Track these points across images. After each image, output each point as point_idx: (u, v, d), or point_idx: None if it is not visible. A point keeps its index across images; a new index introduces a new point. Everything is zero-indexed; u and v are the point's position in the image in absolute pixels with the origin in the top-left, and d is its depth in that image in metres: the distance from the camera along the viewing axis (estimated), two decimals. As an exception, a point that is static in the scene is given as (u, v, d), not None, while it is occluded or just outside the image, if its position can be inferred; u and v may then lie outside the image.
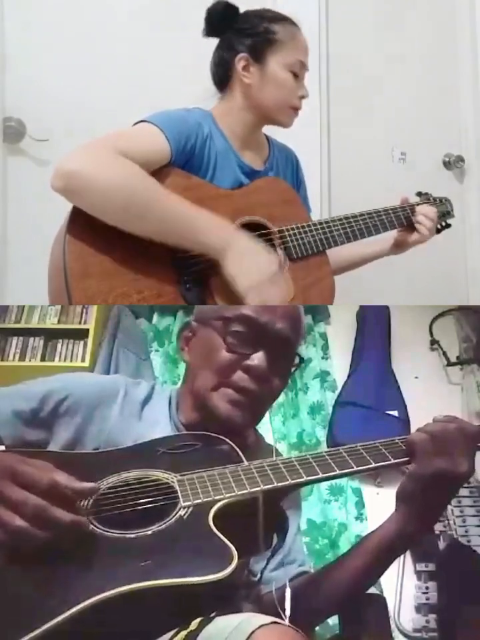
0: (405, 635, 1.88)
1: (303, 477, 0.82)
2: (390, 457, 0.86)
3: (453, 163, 2.27)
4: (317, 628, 1.76)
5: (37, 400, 0.95)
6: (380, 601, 1.82)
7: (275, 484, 0.81)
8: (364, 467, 0.85)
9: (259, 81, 1.20)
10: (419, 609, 1.92)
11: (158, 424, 0.99)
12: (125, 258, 1.00)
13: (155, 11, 1.82)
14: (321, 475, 0.83)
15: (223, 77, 1.24)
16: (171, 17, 1.81)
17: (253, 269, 1.05)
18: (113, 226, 0.99)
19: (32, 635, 0.59)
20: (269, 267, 1.07)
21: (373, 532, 0.92)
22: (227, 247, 1.03)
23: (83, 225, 0.98)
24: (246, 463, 0.86)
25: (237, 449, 0.89)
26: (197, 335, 1.03)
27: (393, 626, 1.83)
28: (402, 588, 1.96)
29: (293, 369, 1.03)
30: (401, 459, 0.86)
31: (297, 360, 1.02)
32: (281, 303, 1.06)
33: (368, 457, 0.86)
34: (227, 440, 0.91)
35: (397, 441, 0.89)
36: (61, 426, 0.95)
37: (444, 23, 2.28)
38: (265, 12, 1.23)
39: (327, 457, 0.86)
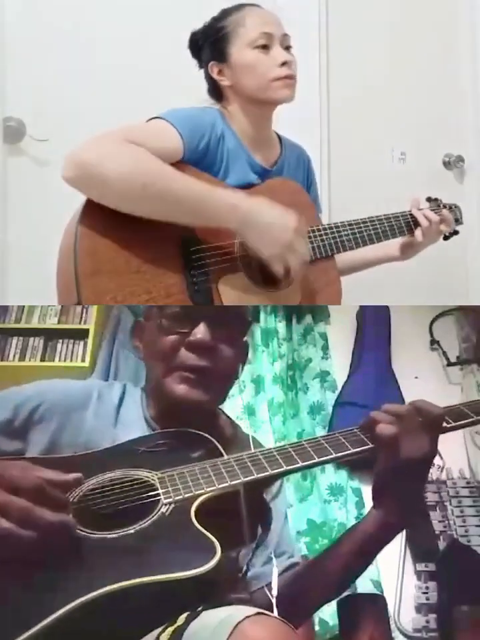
0: (405, 635, 1.88)
1: (282, 467, 0.83)
2: (368, 442, 0.86)
3: (453, 163, 2.27)
4: (317, 628, 1.77)
5: (9, 410, 0.95)
6: (380, 601, 1.83)
7: (255, 475, 0.81)
8: (343, 453, 0.85)
9: (233, 76, 1.20)
10: (419, 608, 1.92)
11: (133, 424, 0.99)
12: (136, 257, 1.00)
13: (155, 11, 1.82)
14: (300, 464, 0.83)
15: (214, 91, 1.26)
16: (171, 17, 1.81)
17: (273, 239, 1.06)
18: (124, 223, 0.99)
19: (21, 638, 0.58)
20: (286, 234, 1.06)
21: (356, 525, 0.92)
22: (245, 221, 1.04)
23: (95, 220, 0.99)
24: (226, 456, 0.86)
25: (217, 443, 0.90)
26: (145, 330, 1.03)
27: (393, 626, 1.83)
28: (402, 588, 1.96)
29: (245, 329, 1.02)
30: None
31: (246, 320, 1.02)
32: (302, 263, 1.09)
33: (347, 443, 0.86)
34: (207, 435, 0.92)
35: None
36: (37, 433, 0.94)
37: (444, 23, 2.28)
38: (218, 14, 1.23)
39: (306, 445, 0.86)
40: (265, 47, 1.17)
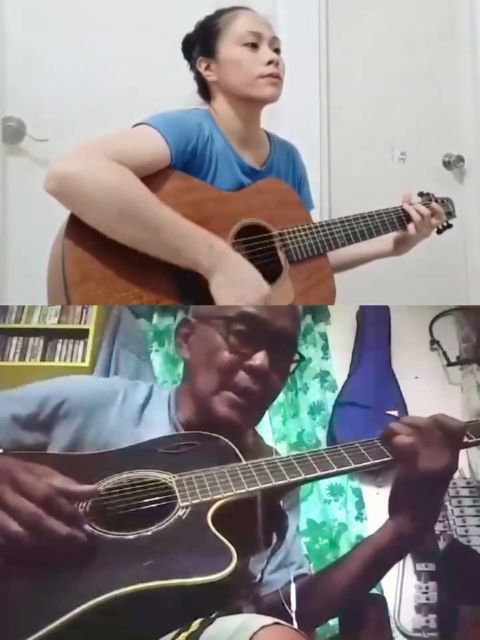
0: (405, 635, 1.88)
1: (301, 475, 0.82)
2: (388, 454, 0.86)
3: (453, 163, 2.27)
4: (317, 628, 1.77)
5: (35, 404, 0.95)
6: (380, 600, 1.83)
7: (273, 482, 0.80)
8: (362, 464, 0.85)
9: (219, 71, 1.20)
10: (419, 609, 1.92)
11: (157, 425, 0.99)
12: (123, 263, 0.99)
13: (155, 12, 1.82)
14: (319, 473, 0.83)
15: (202, 89, 1.26)
16: (171, 17, 1.81)
17: (238, 294, 1.01)
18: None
19: (33, 637, 0.58)
20: (254, 295, 1.02)
21: (369, 538, 0.92)
22: (215, 269, 1.00)
23: (81, 229, 0.97)
24: (244, 462, 0.85)
25: (235, 448, 0.89)
26: (196, 333, 1.01)
27: (393, 626, 1.83)
28: (402, 588, 1.96)
29: (292, 367, 1.02)
30: None
31: (296, 357, 1.02)
32: None
33: (366, 454, 0.85)
34: (225, 439, 0.91)
35: None
36: (60, 429, 0.94)
37: (444, 23, 2.28)
38: (212, 14, 1.24)
39: (325, 454, 0.86)
40: (254, 46, 1.18)
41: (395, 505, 0.88)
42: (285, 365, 1.00)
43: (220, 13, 1.23)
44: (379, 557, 0.89)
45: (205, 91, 1.26)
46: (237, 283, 1.01)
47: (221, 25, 1.20)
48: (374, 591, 1.89)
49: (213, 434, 0.92)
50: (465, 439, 0.87)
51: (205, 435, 0.93)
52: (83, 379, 1.07)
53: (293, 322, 1.00)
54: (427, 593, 1.93)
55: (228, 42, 1.19)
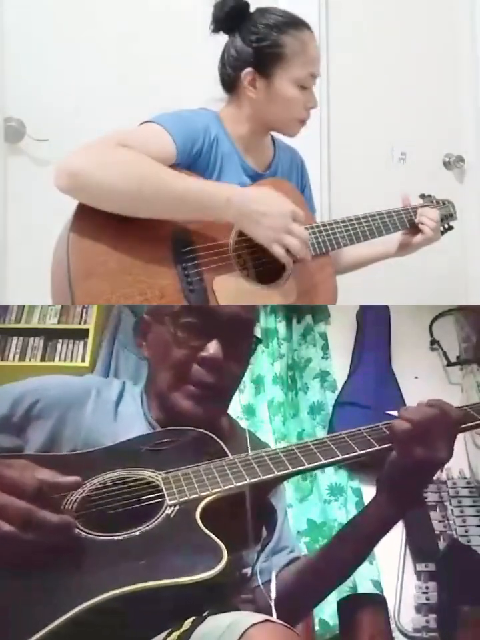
0: (405, 635, 1.88)
1: (288, 468, 0.81)
2: (375, 444, 0.85)
3: (453, 163, 2.27)
4: (317, 628, 1.77)
5: (7, 406, 0.94)
6: (380, 600, 1.83)
7: (261, 477, 0.80)
8: (349, 455, 0.84)
9: (265, 97, 1.19)
10: (419, 609, 1.92)
11: (134, 422, 0.99)
12: (128, 259, 1.00)
13: (156, 11, 1.82)
14: (306, 466, 0.82)
15: (229, 82, 1.23)
16: (173, 17, 1.81)
17: (268, 226, 1.06)
18: (116, 226, 0.99)
19: None
20: (281, 219, 1.07)
21: (355, 518, 0.94)
22: (240, 213, 1.05)
23: (86, 225, 0.99)
24: (231, 456, 0.85)
25: (221, 443, 0.89)
26: (152, 331, 1.02)
27: (393, 626, 1.83)
28: (402, 588, 1.96)
29: (252, 348, 1.02)
30: (387, 445, 0.86)
31: (253, 340, 1.01)
32: (304, 242, 1.09)
33: (353, 445, 0.85)
34: (210, 434, 0.91)
35: (381, 426, 0.88)
36: (35, 429, 0.93)
37: (444, 23, 2.28)
38: (275, 17, 1.18)
39: (312, 446, 0.85)
40: (304, 87, 1.19)
41: (383, 485, 0.89)
42: (241, 350, 0.99)
43: (287, 28, 1.16)
44: (364, 536, 0.91)
45: (232, 88, 1.23)
46: (263, 219, 1.06)
47: (288, 51, 1.16)
48: (374, 590, 1.90)
49: (198, 429, 0.92)
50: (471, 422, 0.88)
51: (189, 430, 0.92)
52: (54, 378, 1.06)
53: (246, 306, 1.01)
54: (426, 592, 1.92)
55: (288, 76, 1.17)
